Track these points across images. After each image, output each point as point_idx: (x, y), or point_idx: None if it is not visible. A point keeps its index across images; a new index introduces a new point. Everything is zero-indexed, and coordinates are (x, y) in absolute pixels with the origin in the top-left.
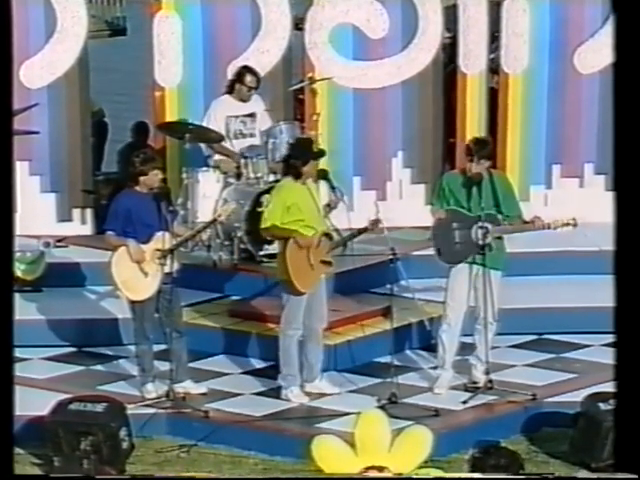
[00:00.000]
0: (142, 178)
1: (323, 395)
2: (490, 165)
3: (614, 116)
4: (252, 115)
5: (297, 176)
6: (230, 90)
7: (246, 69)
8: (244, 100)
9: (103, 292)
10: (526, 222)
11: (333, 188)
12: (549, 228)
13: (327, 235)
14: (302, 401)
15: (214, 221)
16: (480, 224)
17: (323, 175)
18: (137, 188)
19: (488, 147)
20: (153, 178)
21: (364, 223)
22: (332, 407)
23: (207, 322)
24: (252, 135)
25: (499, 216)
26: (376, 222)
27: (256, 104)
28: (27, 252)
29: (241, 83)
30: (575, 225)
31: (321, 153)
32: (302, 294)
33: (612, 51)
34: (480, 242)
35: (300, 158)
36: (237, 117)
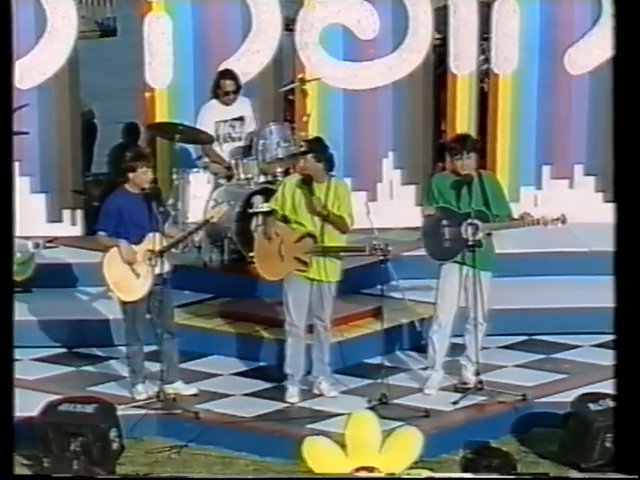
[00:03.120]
0: (132, 175)
1: (316, 396)
2: (478, 159)
3: (614, 117)
4: (241, 119)
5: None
6: (215, 95)
7: (222, 74)
8: (227, 104)
9: (94, 293)
10: (516, 219)
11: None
12: (538, 224)
13: (312, 237)
14: (293, 401)
15: (206, 223)
16: (470, 221)
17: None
18: (128, 188)
19: (473, 141)
20: (142, 176)
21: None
22: (323, 408)
23: (198, 323)
24: (240, 139)
25: (489, 213)
26: (375, 249)
27: (245, 107)
28: (17, 253)
29: (219, 88)
30: (564, 221)
31: (296, 154)
32: (268, 281)
33: (612, 51)
34: (470, 239)
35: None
36: (226, 121)
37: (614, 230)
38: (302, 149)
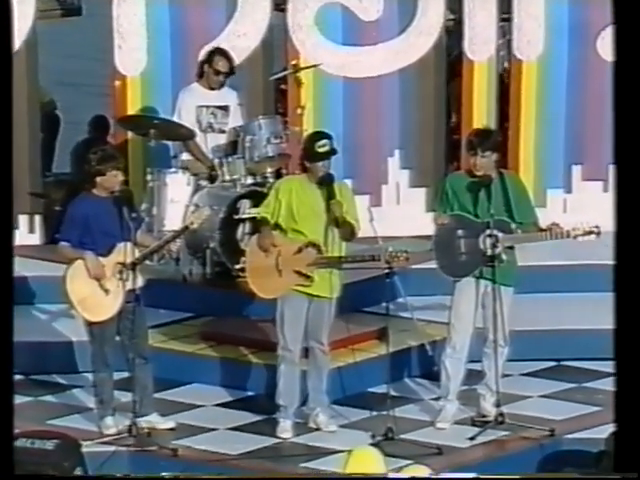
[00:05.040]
0: (99, 179)
1: (312, 430)
2: (498, 159)
3: (614, 117)
4: (225, 108)
5: (303, 171)
6: (200, 75)
7: (218, 51)
8: (213, 87)
9: (55, 311)
10: (542, 230)
11: None
12: (568, 237)
13: (315, 246)
14: (286, 436)
15: (185, 230)
16: (489, 232)
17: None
18: (95, 192)
19: (492, 137)
20: (112, 180)
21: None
22: (320, 444)
23: (176, 346)
24: (222, 131)
25: (511, 223)
26: (392, 257)
27: (230, 96)
28: None
29: (210, 66)
30: (598, 233)
31: (326, 153)
32: (257, 297)
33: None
34: (489, 252)
35: (305, 151)
36: (208, 107)
37: (615, 239)
38: (332, 147)
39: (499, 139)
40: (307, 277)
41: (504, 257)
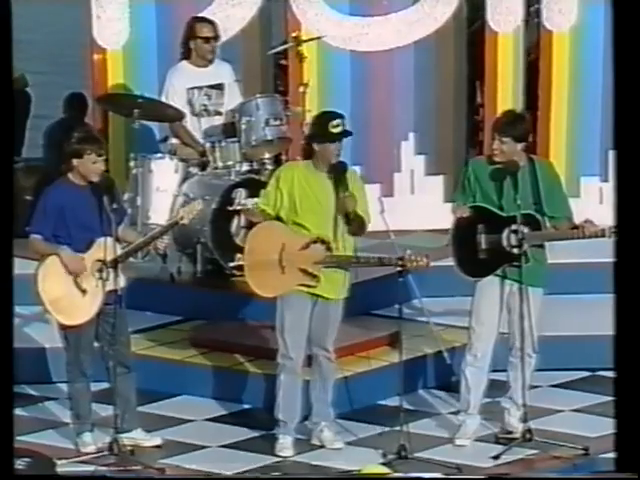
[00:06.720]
0: (76, 162)
1: (315, 447)
2: (524, 148)
3: (614, 115)
4: (219, 87)
5: (307, 156)
6: (187, 54)
7: (197, 19)
8: (206, 60)
9: (26, 314)
10: (574, 227)
11: None
12: (603, 236)
13: (325, 243)
14: (286, 454)
15: (174, 225)
16: (514, 227)
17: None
18: (72, 178)
19: (520, 125)
20: (90, 166)
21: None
22: (324, 463)
23: (163, 353)
24: (218, 112)
25: (539, 217)
26: (408, 261)
27: (223, 72)
28: None
29: (194, 37)
30: None
31: (341, 134)
32: (254, 299)
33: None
34: (513, 250)
35: (316, 132)
36: (200, 89)
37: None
38: (345, 127)
39: (520, 123)
40: (313, 276)
41: (530, 256)
